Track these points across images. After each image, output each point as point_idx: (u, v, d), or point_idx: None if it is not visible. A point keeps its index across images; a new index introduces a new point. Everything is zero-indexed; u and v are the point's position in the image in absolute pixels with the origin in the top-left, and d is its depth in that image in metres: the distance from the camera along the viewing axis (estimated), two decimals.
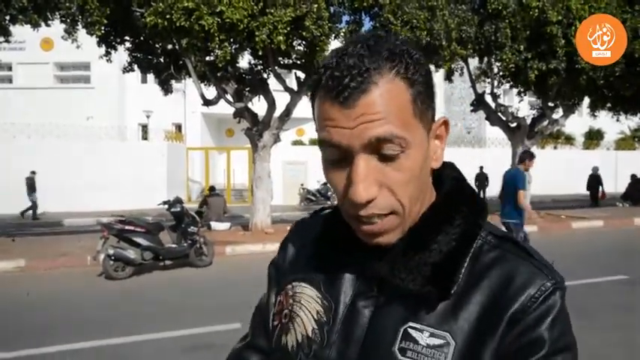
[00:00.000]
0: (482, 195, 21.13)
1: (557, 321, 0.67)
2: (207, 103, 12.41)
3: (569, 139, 31.05)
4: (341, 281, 0.78)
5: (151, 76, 15.13)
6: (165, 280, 8.07)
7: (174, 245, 8.68)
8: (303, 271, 0.83)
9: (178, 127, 27.11)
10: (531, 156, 6.54)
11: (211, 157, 24.60)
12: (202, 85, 12.64)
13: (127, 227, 8.13)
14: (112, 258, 7.85)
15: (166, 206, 9.04)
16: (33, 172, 17.72)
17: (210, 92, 12.76)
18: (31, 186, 17.58)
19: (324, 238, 0.83)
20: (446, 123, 0.75)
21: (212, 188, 14.58)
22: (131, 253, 7.97)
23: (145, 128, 26.29)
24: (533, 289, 0.67)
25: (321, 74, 0.67)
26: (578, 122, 27.30)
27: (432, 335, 0.68)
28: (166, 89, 14.00)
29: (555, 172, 25.71)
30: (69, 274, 8.54)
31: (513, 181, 6.42)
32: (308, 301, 0.79)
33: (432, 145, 0.73)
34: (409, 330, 0.69)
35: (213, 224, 12.91)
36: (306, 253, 0.85)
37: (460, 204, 0.76)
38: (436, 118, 0.75)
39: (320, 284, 0.80)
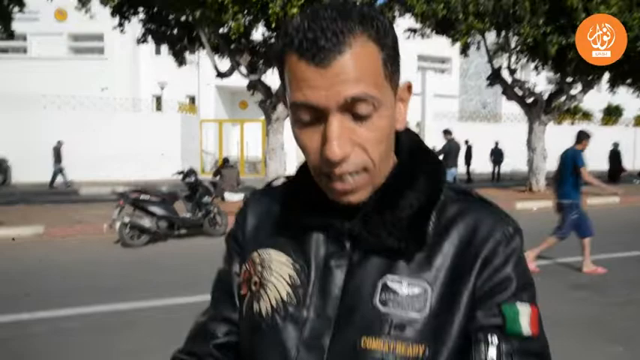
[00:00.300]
0: (497, 170, 21.21)
1: (520, 261, 0.75)
2: (220, 75, 12.39)
3: (586, 116, 30.57)
4: (310, 243, 0.80)
5: (164, 48, 15.11)
6: (180, 249, 8.21)
7: (188, 215, 8.80)
8: (269, 238, 0.84)
9: (192, 100, 27.15)
10: (587, 136, 6.55)
11: (225, 129, 24.66)
12: (216, 57, 12.60)
13: (142, 197, 8.25)
14: (128, 226, 7.99)
15: (181, 176, 9.14)
16: (59, 142, 18.00)
17: (224, 64, 12.72)
18: (57, 155, 17.89)
19: (288, 204, 0.84)
20: (409, 87, 0.78)
21: (226, 160, 14.65)
22: (146, 222, 8.10)
23: (158, 100, 26.36)
24: (498, 234, 0.74)
25: (292, 37, 0.67)
26: (596, 98, 26.81)
27: (410, 285, 0.73)
28: (180, 61, 13.97)
29: None
30: (86, 241, 8.72)
31: (572, 161, 6.42)
32: (278, 267, 0.80)
33: (397, 108, 0.76)
34: (388, 282, 0.73)
35: (227, 195, 13.02)
36: (268, 221, 0.86)
37: (423, 163, 0.80)
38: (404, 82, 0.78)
39: (289, 248, 0.81)
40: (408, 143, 0.82)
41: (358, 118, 0.68)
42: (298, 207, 0.82)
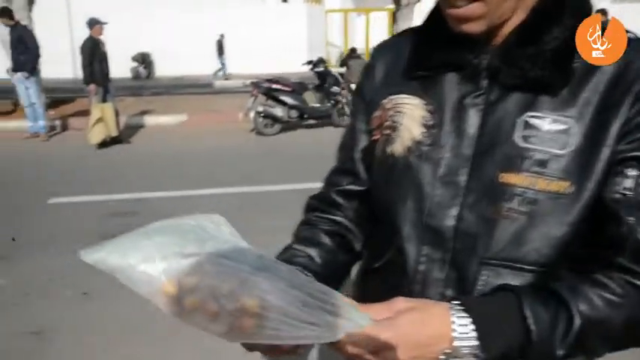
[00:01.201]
0: None
1: None
2: None
3: None
4: (442, 84, 0.78)
5: None
6: (309, 138, 8.41)
7: (317, 105, 8.88)
8: (400, 83, 0.83)
9: None
10: None
11: (350, 19, 23.96)
12: None
13: (274, 86, 8.44)
14: (262, 115, 8.29)
15: (310, 66, 9.14)
16: (222, 35, 18.89)
17: None
18: (220, 47, 18.86)
19: (420, 45, 0.83)
20: None
21: (353, 50, 14.40)
22: (278, 111, 8.35)
23: None
24: None
25: None
26: None
27: (554, 121, 0.70)
28: None
29: None
30: (224, 129, 9.24)
31: None
32: (411, 109, 0.80)
33: None
34: (529, 119, 0.71)
35: (354, 86, 12.92)
36: (398, 67, 0.85)
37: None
38: None
39: (421, 91, 0.80)
40: None
41: None
42: (431, 47, 0.80)
